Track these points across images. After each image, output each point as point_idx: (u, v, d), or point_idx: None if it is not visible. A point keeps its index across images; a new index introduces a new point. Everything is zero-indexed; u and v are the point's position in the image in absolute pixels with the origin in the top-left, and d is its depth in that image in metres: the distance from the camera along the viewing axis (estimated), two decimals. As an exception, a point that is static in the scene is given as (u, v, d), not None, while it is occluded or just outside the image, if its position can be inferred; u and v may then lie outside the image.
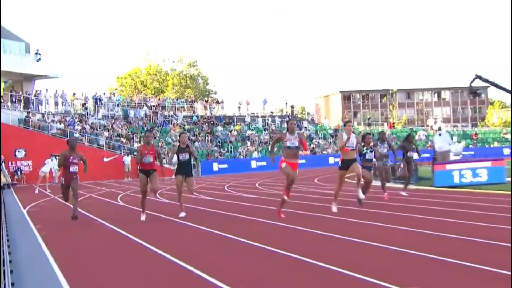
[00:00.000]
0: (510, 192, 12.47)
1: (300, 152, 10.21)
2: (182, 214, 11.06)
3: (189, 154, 11.05)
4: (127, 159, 35.56)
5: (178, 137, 11.73)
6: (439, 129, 22.33)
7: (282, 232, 8.81)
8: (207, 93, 72.25)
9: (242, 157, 42.89)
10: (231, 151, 43.52)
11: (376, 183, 15.01)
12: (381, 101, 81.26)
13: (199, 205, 13.97)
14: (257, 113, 52.72)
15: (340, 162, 11.22)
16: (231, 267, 6.13)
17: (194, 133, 43.67)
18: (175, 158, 11.27)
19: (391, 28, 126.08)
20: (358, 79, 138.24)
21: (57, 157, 26.42)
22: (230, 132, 46.48)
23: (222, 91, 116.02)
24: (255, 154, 43.57)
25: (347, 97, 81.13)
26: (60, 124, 37.59)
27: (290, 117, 15.95)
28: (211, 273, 5.58)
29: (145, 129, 42.23)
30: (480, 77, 34.36)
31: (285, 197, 10.27)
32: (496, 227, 8.12)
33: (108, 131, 39.70)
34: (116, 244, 8.49)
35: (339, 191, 11.27)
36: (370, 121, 57.98)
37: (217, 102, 53.23)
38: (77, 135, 35.72)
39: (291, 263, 6.11)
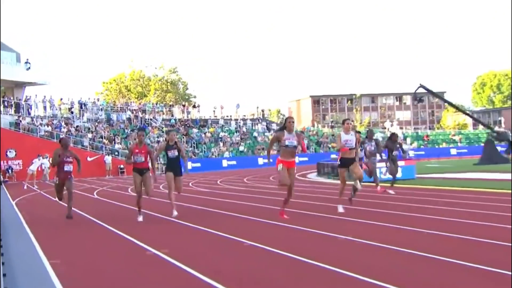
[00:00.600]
0: (510, 191, 11.85)
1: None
2: (175, 213, 10.56)
3: (178, 151, 10.56)
4: (108, 159, 38.01)
5: (167, 135, 11.20)
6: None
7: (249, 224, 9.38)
8: (187, 97, 74.76)
9: (214, 156, 45.56)
10: (204, 151, 46.19)
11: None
12: (347, 105, 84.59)
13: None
14: (230, 116, 55.33)
15: (338, 160, 10.68)
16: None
17: (175, 133, 46.14)
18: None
19: (357, 37, 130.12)
20: (327, 84, 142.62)
21: (42, 157, 28.98)
22: (205, 134, 49.11)
23: (200, 95, 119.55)
24: (226, 154, 46.28)
25: (316, 101, 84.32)
26: (48, 127, 40.00)
27: (288, 117, 10.89)
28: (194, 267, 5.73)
29: (126, 131, 44.91)
30: (423, 87, 37.78)
31: (284, 217, 9.61)
32: (496, 226, 7.80)
33: (92, 133, 42.18)
34: (99, 237, 8.82)
35: (343, 190, 10.66)
36: (333, 124, 60.90)
37: (194, 106, 55.83)
38: (63, 136, 38.18)
39: (275, 260, 6.11)
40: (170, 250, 6.85)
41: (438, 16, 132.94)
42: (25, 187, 25.04)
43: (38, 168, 27.80)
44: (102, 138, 42.14)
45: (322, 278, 5.11)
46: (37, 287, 5.43)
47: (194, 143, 46.91)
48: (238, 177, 29.09)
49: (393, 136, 15.01)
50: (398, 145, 14.85)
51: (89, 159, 38.15)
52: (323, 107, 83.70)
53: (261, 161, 44.99)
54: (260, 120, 55.49)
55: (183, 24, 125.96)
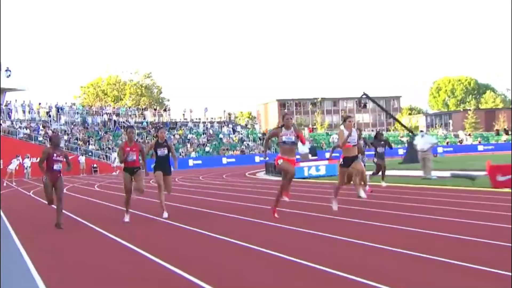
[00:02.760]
0: (510, 190, 11.39)
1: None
2: (165, 214, 9.91)
3: (168, 149, 9.99)
4: (82, 159, 40.47)
5: (156, 133, 10.49)
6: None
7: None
8: (160, 101, 77.26)
9: (181, 156, 48.27)
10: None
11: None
12: (310, 108, 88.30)
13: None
14: (199, 119, 58.02)
15: (341, 160, 9.72)
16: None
17: (142, 136, 48.83)
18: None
19: (321, 44, 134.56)
20: (292, 89, 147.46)
21: (22, 157, 31.45)
22: (174, 135, 51.79)
23: (173, 99, 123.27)
24: (193, 154, 49.05)
25: (282, 104, 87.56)
26: (27, 129, 42.31)
27: (286, 113, 10.31)
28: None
29: (100, 133, 47.49)
30: (366, 95, 41.23)
31: (285, 198, 9.15)
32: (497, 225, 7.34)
33: (68, 135, 44.60)
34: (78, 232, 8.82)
35: (340, 189, 9.97)
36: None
37: (165, 110, 58.46)
38: (40, 138, 40.63)
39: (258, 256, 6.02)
40: (157, 250, 6.48)
41: (398, 25, 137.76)
42: (5, 184, 27.42)
43: (16, 167, 30.29)
44: (77, 139, 44.58)
45: (314, 278, 4.86)
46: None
47: (163, 144, 49.50)
48: (198, 174, 31.86)
49: (378, 135, 15.51)
50: (383, 142, 15.19)
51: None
52: (289, 110, 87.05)
53: (225, 160, 48.01)
54: (226, 123, 58.34)
55: (156, 30, 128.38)
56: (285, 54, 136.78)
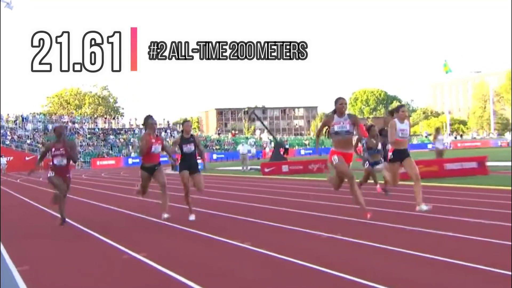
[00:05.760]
0: (510, 188, 10.43)
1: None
2: (192, 217, 8.29)
3: (195, 145, 8.45)
4: (40, 158, 50.17)
5: (181, 126, 8.95)
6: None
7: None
8: (116, 109, 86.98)
9: (123, 156, 58.39)
10: (117, 152, 58.91)
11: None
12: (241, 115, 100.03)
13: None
14: (143, 125, 67.67)
15: (390, 153, 7.96)
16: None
17: (93, 140, 58.75)
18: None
19: (251, 61, 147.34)
20: (229, 98, 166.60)
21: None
22: (119, 139, 61.73)
23: (126, 108, 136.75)
24: (133, 154, 59.15)
25: (220, 112, 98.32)
26: (-3, 135, 51.81)
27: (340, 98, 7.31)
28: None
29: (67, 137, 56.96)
30: (253, 112, 52.89)
31: (368, 216, 7.05)
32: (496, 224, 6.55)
33: (30, 140, 54.19)
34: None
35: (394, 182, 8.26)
36: (234, 132, 74.35)
37: (113, 118, 68.37)
38: (8, 142, 50.24)
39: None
40: (148, 252, 5.69)
41: (319, 42, 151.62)
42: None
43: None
44: (37, 143, 54.21)
45: (308, 278, 4.44)
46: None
47: (110, 146, 59.50)
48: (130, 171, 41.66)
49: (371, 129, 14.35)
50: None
51: (27, 158, 50.16)
52: (225, 117, 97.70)
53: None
54: (164, 129, 68.59)
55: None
56: (221, 69, 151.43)
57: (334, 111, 7.12)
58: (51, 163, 8.12)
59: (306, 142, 69.60)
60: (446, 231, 6.18)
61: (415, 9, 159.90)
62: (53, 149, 8.07)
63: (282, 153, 31.11)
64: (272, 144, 61.68)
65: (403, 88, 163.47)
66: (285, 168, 22.13)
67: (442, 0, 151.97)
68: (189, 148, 8.42)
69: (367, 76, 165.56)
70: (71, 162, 8.25)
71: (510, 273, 4.18)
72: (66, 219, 8.27)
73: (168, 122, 71.58)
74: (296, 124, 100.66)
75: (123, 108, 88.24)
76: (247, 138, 71.29)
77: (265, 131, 48.57)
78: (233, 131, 77.96)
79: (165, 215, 8.27)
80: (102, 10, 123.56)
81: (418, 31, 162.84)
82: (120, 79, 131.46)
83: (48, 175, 8.15)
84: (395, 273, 4.50)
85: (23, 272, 5.13)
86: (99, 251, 6.24)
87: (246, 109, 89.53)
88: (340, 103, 7.07)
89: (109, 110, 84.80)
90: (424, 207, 7.52)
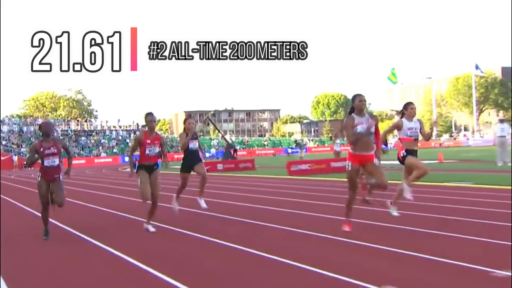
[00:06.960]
0: (510, 188, 10.13)
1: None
2: (204, 205, 8.45)
3: (198, 142, 8.39)
4: (15, 158, 53.86)
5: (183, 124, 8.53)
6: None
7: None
8: (89, 111, 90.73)
9: (93, 155, 62.43)
10: (87, 152, 62.93)
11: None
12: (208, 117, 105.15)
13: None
14: (114, 127, 71.88)
15: (403, 153, 7.09)
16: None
17: (66, 141, 62.60)
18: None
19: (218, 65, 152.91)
20: (198, 101, 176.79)
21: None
22: (90, 140, 65.71)
23: (99, 110, 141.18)
24: (103, 154, 63.21)
25: (189, 115, 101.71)
26: (-26, 137, 55.39)
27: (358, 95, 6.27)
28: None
29: (31, 139, 60.98)
30: (209, 119, 58.07)
31: (346, 229, 6.33)
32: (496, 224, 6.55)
33: (5, 141, 57.89)
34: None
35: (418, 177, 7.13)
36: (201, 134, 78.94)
37: (86, 121, 72.28)
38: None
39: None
40: (142, 256, 5.49)
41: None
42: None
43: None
44: (12, 144, 57.95)
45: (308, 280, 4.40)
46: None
47: (81, 147, 63.47)
48: (104, 169, 45.89)
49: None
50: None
51: (2, 158, 53.88)
52: (194, 119, 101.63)
53: (127, 159, 62.20)
54: (133, 131, 72.72)
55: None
56: (192, 73, 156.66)
57: (352, 110, 6.21)
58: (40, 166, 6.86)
59: (265, 143, 74.53)
60: (446, 231, 6.10)
61: (372, 16, 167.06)
62: (41, 149, 6.74)
63: (232, 152, 37.44)
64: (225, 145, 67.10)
65: (362, 92, 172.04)
66: (220, 166, 26.72)
67: (401, 7, 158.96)
68: (195, 144, 8.45)
69: (328, 80, 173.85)
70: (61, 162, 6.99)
71: (510, 273, 4.13)
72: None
73: (137, 124, 75.68)
74: (261, 126, 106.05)
75: (96, 111, 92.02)
76: (211, 139, 76.04)
77: (221, 134, 53.52)
78: (200, 133, 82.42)
79: (151, 229, 7.20)
80: (102, 10, 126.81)
81: (374, 38, 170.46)
82: (97, 82, 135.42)
83: (39, 180, 6.86)
84: (395, 273, 4.46)
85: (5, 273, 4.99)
86: (83, 252, 6.03)
87: (213, 112, 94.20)
88: (359, 100, 6.13)
89: (83, 113, 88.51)
90: (394, 212, 6.94)
